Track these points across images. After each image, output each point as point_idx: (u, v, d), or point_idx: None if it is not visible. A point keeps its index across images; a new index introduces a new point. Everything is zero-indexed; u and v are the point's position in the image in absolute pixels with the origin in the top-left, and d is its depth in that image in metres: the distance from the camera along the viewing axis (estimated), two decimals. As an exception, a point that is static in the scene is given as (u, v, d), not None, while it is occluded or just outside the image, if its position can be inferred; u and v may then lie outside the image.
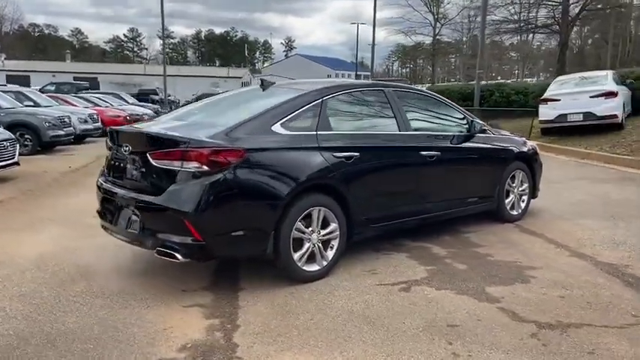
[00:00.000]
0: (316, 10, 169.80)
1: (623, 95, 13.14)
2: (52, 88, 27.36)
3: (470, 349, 3.04)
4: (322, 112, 4.26)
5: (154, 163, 3.72)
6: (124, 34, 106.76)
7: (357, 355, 2.99)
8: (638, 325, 3.35)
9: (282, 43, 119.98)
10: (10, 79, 36.57)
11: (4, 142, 8.28)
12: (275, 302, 3.72)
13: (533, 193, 6.16)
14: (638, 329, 3.30)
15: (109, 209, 4.20)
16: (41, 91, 20.20)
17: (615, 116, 12.55)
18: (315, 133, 4.14)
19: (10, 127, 10.78)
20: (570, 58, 39.21)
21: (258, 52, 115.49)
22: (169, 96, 39.81)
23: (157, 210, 3.69)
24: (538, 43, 61.43)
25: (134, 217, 3.90)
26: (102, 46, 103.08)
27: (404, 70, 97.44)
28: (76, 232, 5.54)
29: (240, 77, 60.83)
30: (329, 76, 76.60)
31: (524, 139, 6.37)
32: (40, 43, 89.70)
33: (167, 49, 48.38)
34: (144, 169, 3.84)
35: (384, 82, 5.71)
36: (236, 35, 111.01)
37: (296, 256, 3.96)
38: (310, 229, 4.03)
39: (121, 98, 23.53)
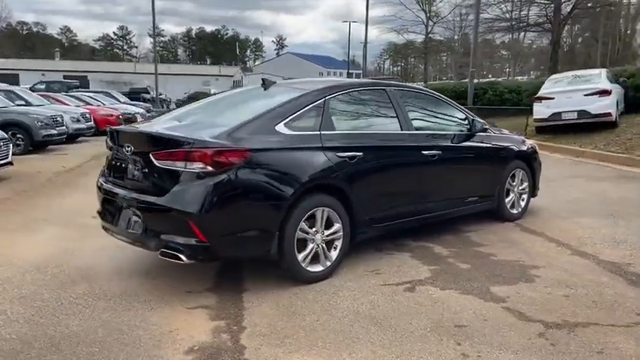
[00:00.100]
0: (308, 8, 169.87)
1: (617, 93, 13.22)
2: (43, 86, 27.15)
3: (479, 349, 3.03)
4: (325, 112, 4.23)
5: (157, 164, 3.68)
6: (113, 32, 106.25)
7: (366, 356, 2.97)
8: (644, 324, 3.36)
9: (273, 41, 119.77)
10: (-1, 78, 36.22)
11: (-2, 142, 8.18)
12: (280, 303, 3.69)
13: (532, 191, 6.17)
14: (644, 328, 3.31)
15: (110, 210, 4.15)
16: (31, 89, 20.03)
17: (609, 114, 12.63)
18: (318, 132, 4.11)
19: (2, 126, 10.63)
20: (561, 57, 39.40)
21: (249, 51, 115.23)
22: (161, 95, 39.60)
23: (161, 211, 3.65)
24: (529, 42, 61.73)
25: (136, 218, 3.85)
26: (91, 44, 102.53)
27: (395, 69, 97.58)
28: (73, 233, 5.48)
29: (231, 76, 60.65)
30: (320, 75, 76.57)
31: (523, 137, 6.39)
32: (29, 42, 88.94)
33: (157, 47, 48.06)
34: (146, 170, 3.80)
35: (386, 81, 5.69)
36: (227, 33, 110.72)
37: (300, 256, 3.93)
38: (314, 229, 4.01)
39: (113, 97, 23.35)
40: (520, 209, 6.00)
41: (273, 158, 3.81)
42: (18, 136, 11.84)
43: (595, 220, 5.93)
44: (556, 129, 13.54)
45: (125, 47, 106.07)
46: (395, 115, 4.72)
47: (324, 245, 4.09)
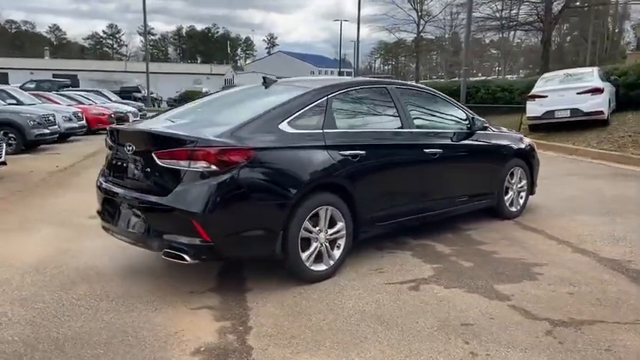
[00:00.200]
0: (298, 7, 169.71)
1: (609, 92, 13.29)
2: (33, 85, 26.91)
3: (487, 348, 3.02)
4: (328, 110, 4.21)
5: (160, 163, 3.64)
6: (102, 31, 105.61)
7: (374, 356, 2.95)
8: (649, 321, 3.37)
9: (264, 40, 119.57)
10: (-12, 77, 35.89)
11: (-9, 142, 8.08)
12: (285, 303, 3.66)
13: (531, 189, 6.18)
14: (650, 325, 3.32)
15: (111, 210, 4.11)
16: (22, 88, 19.82)
17: (601, 112, 12.70)
18: (321, 131, 4.09)
19: (-6, 126, 10.55)
20: (550, 55, 39.71)
21: (240, 49, 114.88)
22: (152, 93, 39.41)
23: (164, 211, 3.61)
24: (518, 41, 62.11)
25: (138, 218, 3.81)
26: (80, 42, 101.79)
27: (386, 67, 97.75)
28: (70, 233, 5.42)
29: (223, 74, 60.44)
30: (312, 73, 76.51)
31: (521, 135, 6.40)
32: (18, 40, 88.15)
33: (148, 46, 47.82)
34: (148, 169, 3.76)
35: (387, 79, 5.68)
36: (218, 32, 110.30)
37: (304, 255, 3.91)
38: (318, 228, 3.99)
39: (104, 96, 23.17)
40: (519, 207, 6.02)
41: (277, 157, 3.79)
42: (10, 135, 11.73)
43: (593, 218, 5.95)
44: (549, 127, 13.61)
45: (115, 46, 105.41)
46: (396, 113, 4.71)
47: (327, 244, 4.07)
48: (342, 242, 4.16)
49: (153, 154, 3.66)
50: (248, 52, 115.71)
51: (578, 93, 12.78)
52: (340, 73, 62.13)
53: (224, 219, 3.55)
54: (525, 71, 68.66)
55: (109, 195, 4.11)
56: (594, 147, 11.52)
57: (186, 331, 3.25)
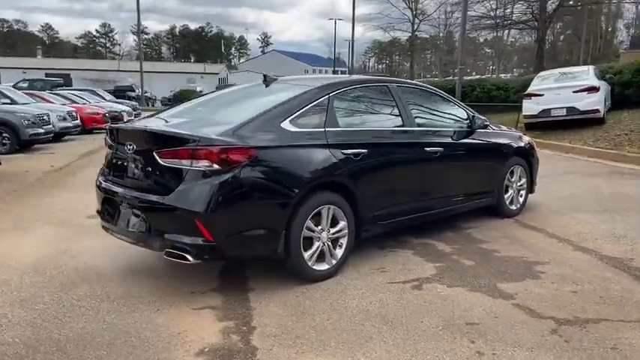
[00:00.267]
0: (292, 5, 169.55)
1: (604, 90, 13.35)
2: (25, 84, 26.66)
3: (493, 347, 3.01)
4: (329, 109, 4.18)
5: (161, 162, 3.60)
6: (95, 30, 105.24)
7: (380, 356, 2.93)
8: (654, 319, 3.37)
9: (258, 38, 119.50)
10: (-21, 76, 35.62)
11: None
12: (287, 303, 3.63)
13: (530, 188, 6.18)
14: (655, 323, 3.32)
15: (111, 209, 4.06)
16: (14, 87, 19.67)
17: (597, 111, 12.74)
18: (323, 129, 4.06)
19: (-12, 125, 10.46)
20: (537, 54, 39.88)
21: (233, 48, 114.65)
22: (146, 92, 39.25)
23: (165, 210, 3.57)
24: (512, 40, 62.31)
25: (139, 218, 3.78)
26: (73, 41, 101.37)
27: (380, 66, 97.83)
28: (68, 233, 5.36)
29: (217, 73, 60.27)
30: (306, 72, 76.44)
31: (520, 133, 6.40)
32: (10, 39, 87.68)
33: (141, 45, 47.63)
34: (149, 168, 3.72)
35: (387, 77, 5.66)
36: (211, 31, 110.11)
37: (306, 255, 3.88)
38: (320, 227, 3.96)
39: (98, 95, 23.02)
40: (518, 205, 6.01)
41: (279, 156, 3.76)
42: (4, 135, 11.64)
43: (592, 216, 5.96)
44: (545, 125, 13.64)
45: (108, 45, 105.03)
46: (398, 111, 4.69)
47: (329, 243, 4.04)
48: (344, 241, 4.14)
49: (154, 153, 3.62)
50: (242, 51, 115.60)
51: (574, 91, 12.81)
52: (334, 72, 62.12)
53: (227, 218, 3.52)
54: (519, 70, 68.95)
55: (108, 194, 4.07)
56: (590, 145, 11.56)
57: (189, 331, 3.22)
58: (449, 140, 5.08)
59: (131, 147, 3.83)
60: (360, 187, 4.18)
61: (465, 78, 22.43)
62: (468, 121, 5.38)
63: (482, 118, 5.49)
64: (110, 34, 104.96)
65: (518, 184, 5.98)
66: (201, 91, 39.01)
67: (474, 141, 5.34)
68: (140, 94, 37.75)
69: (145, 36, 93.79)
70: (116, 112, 19.08)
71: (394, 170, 4.56)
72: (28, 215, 6.15)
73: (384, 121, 4.74)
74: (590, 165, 10.04)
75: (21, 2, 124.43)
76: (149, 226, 3.71)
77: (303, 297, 3.73)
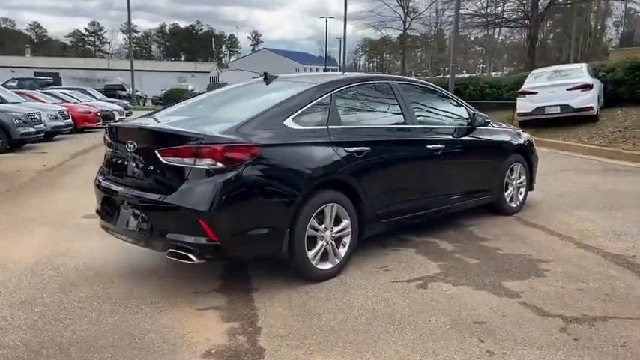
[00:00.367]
0: (282, 3, 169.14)
1: (597, 88, 13.39)
2: (15, 83, 26.39)
3: (503, 346, 2.98)
4: (332, 106, 4.14)
5: (164, 161, 3.54)
6: (85, 28, 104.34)
7: (390, 356, 2.89)
8: (661, 317, 3.36)
9: (248, 37, 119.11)
10: (-33, 75, 35.16)
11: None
12: (292, 302, 3.59)
13: (530, 185, 6.17)
14: (662, 320, 3.31)
15: (111, 209, 4.00)
16: (4, 86, 19.44)
17: (591, 108, 12.79)
18: (326, 127, 4.02)
19: (-21, 124, 10.30)
20: (529, 52, 40.08)
21: (224, 47, 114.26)
22: (137, 91, 39.00)
23: (168, 209, 3.51)
24: (502, 38, 62.57)
25: (140, 217, 3.72)
26: (62, 40, 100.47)
27: (371, 65, 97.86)
28: (65, 234, 5.28)
29: (208, 72, 60.04)
30: (297, 70, 76.29)
31: (519, 130, 6.39)
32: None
33: (132, 44, 47.33)
34: (151, 167, 3.66)
35: (389, 75, 5.63)
36: (202, 29, 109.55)
37: (310, 254, 3.84)
38: (323, 226, 3.92)
39: (89, 94, 22.80)
40: (518, 203, 6.01)
41: (283, 154, 3.71)
42: (-5, 134, 11.48)
43: (592, 213, 5.96)
44: (539, 123, 13.67)
45: (97, 43, 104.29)
46: (399, 109, 4.66)
47: (333, 242, 4.00)
48: (347, 240, 4.10)
49: (156, 152, 3.56)
50: (232, 49, 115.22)
51: (568, 89, 12.86)
52: (325, 70, 62.05)
53: (231, 217, 3.47)
54: (509, 68, 69.21)
55: (108, 194, 4.00)
56: (585, 143, 11.61)
57: (194, 332, 3.17)
58: (450, 138, 5.05)
59: (132, 145, 3.76)
60: (364, 185, 4.14)
61: (457, 76, 22.47)
62: (469, 118, 5.36)
63: (483, 115, 5.47)
64: (99, 33, 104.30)
65: (518, 181, 5.97)
66: (192, 90, 38.85)
67: (474, 138, 5.32)
68: (131, 92, 37.46)
69: (135, 34, 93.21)
70: (108, 111, 18.91)
71: (397, 168, 4.53)
72: (22, 215, 6.06)
73: (386, 118, 4.70)
74: (585, 162, 10.08)
75: (9, 1, 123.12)
76: (150, 225, 3.65)
77: (307, 296, 3.69)
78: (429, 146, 4.73)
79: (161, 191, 3.57)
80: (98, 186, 4.16)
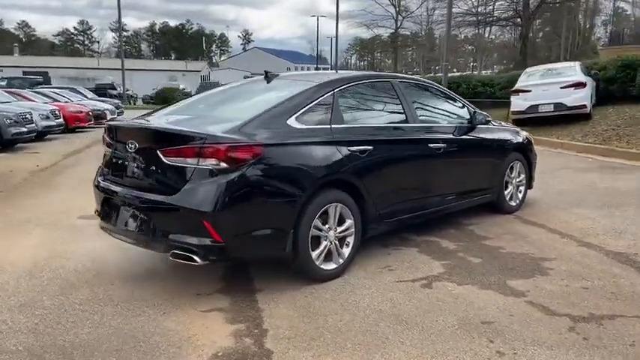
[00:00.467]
0: (273, 2, 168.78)
1: (591, 86, 13.45)
2: (4, 83, 26.09)
3: (513, 346, 2.95)
4: (335, 105, 4.10)
5: (166, 161, 3.48)
6: (74, 27, 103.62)
7: (399, 358, 2.86)
8: (668, 315, 3.35)
9: (239, 36, 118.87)
10: (-45, 75, 34.72)
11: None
12: (297, 304, 3.55)
13: (529, 183, 6.17)
14: (670, 319, 3.30)
15: (111, 210, 3.93)
16: (-6, 86, 19.24)
17: (584, 106, 12.84)
18: (329, 126, 3.98)
19: (-31, 124, 10.16)
20: (521, 51, 40.29)
21: (214, 46, 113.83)
22: (127, 90, 38.73)
23: (171, 210, 3.45)
24: (493, 37, 62.82)
25: (141, 218, 3.65)
26: (51, 39, 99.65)
27: (362, 63, 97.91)
28: (62, 235, 5.20)
29: (198, 71, 59.78)
30: (288, 69, 76.17)
31: (518, 128, 6.38)
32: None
33: (122, 42, 47.02)
34: (153, 167, 3.59)
35: (390, 73, 5.59)
36: (192, 28, 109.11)
37: (314, 254, 3.80)
38: (327, 226, 3.88)
39: (79, 93, 22.60)
40: (518, 201, 6.00)
41: (286, 153, 3.66)
42: (-15, 134, 11.32)
43: (591, 211, 5.96)
44: (533, 121, 13.70)
45: (86, 42, 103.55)
46: (401, 107, 4.63)
47: (336, 242, 3.96)
48: (351, 240, 4.07)
49: (158, 152, 3.50)
50: (223, 48, 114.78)
51: (561, 87, 12.90)
52: (317, 69, 62.01)
53: (235, 218, 3.42)
54: (499, 67, 69.49)
55: (108, 194, 3.94)
56: (579, 140, 11.65)
57: (199, 335, 3.12)
58: (451, 136, 5.03)
59: (132, 145, 3.69)
60: (367, 184, 4.11)
61: (449, 74, 22.49)
62: (470, 116, 5.34)
63: (484, 113, 5.45)
64: (88, 32, 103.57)
65: (518, 179, 5.96)
66: (183, 89, 38.66)
67: (475, 137, 5.30)
68: (121, 92, 37.20)
69: (125, 33, 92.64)
70: (99, 110, 18.77)
71: (399, 167, 4.50)
72: (17, 217, 5.96)
73: (388, 117, 4.68)
74: (580, 160, 10.11)
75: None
76: (152, 226, 3.59)
77: (312, 297, 3.65)
78: (431, 145, 4.70)
79: (163, 192, 3.51)
80: (97, 186, 4.09)
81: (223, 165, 3.37)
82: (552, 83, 13.22)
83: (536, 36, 66.83)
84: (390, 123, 4.61)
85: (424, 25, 58.87)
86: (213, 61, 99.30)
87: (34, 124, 12.74)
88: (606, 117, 13.07)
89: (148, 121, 4.12)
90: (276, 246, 3.62)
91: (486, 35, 58.57)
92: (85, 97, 22.27)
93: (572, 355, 2.85)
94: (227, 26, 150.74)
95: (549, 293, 3.68)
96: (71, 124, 16.10)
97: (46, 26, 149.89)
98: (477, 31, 44.98)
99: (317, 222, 3.79)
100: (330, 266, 3.94)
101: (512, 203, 5.91)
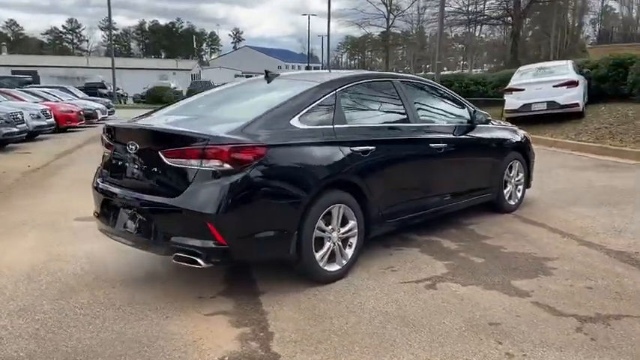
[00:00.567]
0: (262, 1, 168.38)
1: (583, 84, 13.50)
2: (-7, 82, 25.80)
3: (522, 348, 2.94)
4: (337, 105, 4.06)
5: (168, 162, 3.42)
6: (62, 26, 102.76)
7: (409, 360, 2.83)
8: (674, 315, 3.35)
9: (230, 34, 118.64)
10: (-58, 74, 34.26)
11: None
12: (301, 306, 3.51)
13: (527, 182, 6.17)
14: (676, 318, 3.30)
15: (111, 212, 3.87)
16: (-18, 85, 19.01)
17: (577, 105, 12.89)
18: (332, 126, 3.94)
19: (-40, 124, 10.01)
20: (512, 49, 40.48)
21: (205, 44, 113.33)
22: (118, 89, 38.44)
23: (174, 212, 3.40)
24: (482, 35, 63.10)
25: (143, 220, 3.60)
26: (39, 38, 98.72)
27: (352, 62, 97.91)
28: (58, 237, 5.13)
29: (189, 70, 59.48)
30: (279, 68, 76.04)
31: (516, 127, 6.37)
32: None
33: (110, 41, 46.66)
34: (155, 169, 3.54)
35: (391, 72, 5.56)
36: (182, 26, 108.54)
37: (317, 256, 3.76)
38: (330, 227, 3.85)
39: (70, 92, 22.41)
40: (516, 200, 6.00)
41: (290, 154, 3.62)
42: (-24, 134, 11.18)
43: (589, 210, 5.97)
44: (526, 119, 13.71)
45: (75, 41, 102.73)
46: (402, 107, 4.60)
47: (340, 243, 3.93)
48: (354, 241, 4.04)
49: (160, 153, 3.45)
50: (214, 46, 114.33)
51: (554, 86, 12.94)
52: (308, 68, 61.93)
53: (239, 220, 3.37)
54: (489, 65, 69.80)
55: (107, 196, 3.88)
56: (573, 139, 11.69)
57: (204, 339, 3.07)
58: (452, 136, 5.01)
59: (133, 147, 3.63)
60: (369, 184, 4.08)
61: (440, 73, 22.49)
62: (470, 116, 5.32)
63: (484, 113, 5.44)
64: (77, 30, 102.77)
65: (516, 178, 5.96)
66: (175, 88, 38.44)
67: (475, 136, 5.29)
68: (112, 91, 36.93)
69: (114, 31, 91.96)
70: (90, 109, 18.62)
71: (401, 167, 4.47)
72: (12, 218, 5.87)
73: (390, 116, 4.65)
74: (575, 158, 10.15)
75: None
76: (154, 228, 3.54)
77: (316, 299, 3.61)
78: (433, 144, 4.68)
79: (165, 193, 3.46)
80: (96, 188, 4.03)
81: (227, 166, 3.33)
82: (545, 82, 13.25)
83: (526, 35, 67.13)
84: (392, 123, 4.58)
85: (415, 24, 58.96)
86: (204, 59, 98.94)
87: (25, 124, 12.60)
88: (598, 115, 13.13)
89: (148, 121, 4.06)
90: (280, 248, 3.58)
91: (476, 34, 58.80)
92: (76, 96, 22.08)
93: (582, 356, 2.84)
94: (217, 25, 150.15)
95: (554, 293, 3.67)
96: (62, 124, 15.94)
97: (35, 25, 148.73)
98: (467, 29, 45.13)
99: (320, 223, 3.75)
100: (334, 268, 3.90)
101: (512, 202, 5.90)
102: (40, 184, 8.09)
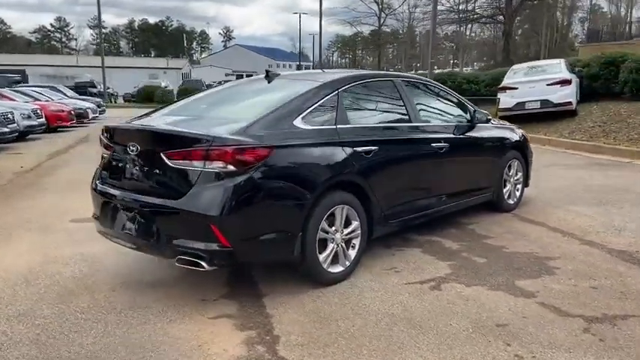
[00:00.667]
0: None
1: (575, 83, 13.56)
2: (-19, 82, 25.51)
3: (531, 349, 2.92)
4: (339, 105, 4.02)
5: (170, 164, 3.37)
6: (50, 24, 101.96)
7: (418, 363, 2.80)
8: (680, 314, 3.35)
9: (220, 33, 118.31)
10: None
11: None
12: (306, 308, 3.47)
13: (525, 181, 6.17)
14: (682, 318, 3.29)
15: (111, 214, 3.80)
16: (-29, 85, 18.78)
17: (570, 103, 12.95)
18: (335, 127, 3.90)
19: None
20: (502, 48, 40.64)
21: (195, 43, 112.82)
22: (108, 88, 38.15)
23: (176, 215, 3.35)
24: (473, 34, 63.35)
25: (145, 223, 3.54)
26: (27, 36, 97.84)
27: (343, 61, 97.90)
28: (55, 239, 5.05)
29: (180, 68, 59.17)
30: (270, 67, 75.79)
31: (514, 126, 6.37)
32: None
33: (99, 40, 46.30)
34: (157, 171, 3.48)
35: (392, 72, 5.54)
36: (171, 25, 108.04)
37: (321, 257, 3.73)
38: (334, 228, 3.81)
39: (60, 91, 22.20)
40: (515, 200, 5.99)
41: (294, 155, 3.58)
42: (-34, 135, 11.03)
43: (588, 209, 5.98)
44: (519, 118, 13.73)
45: (64, 40, 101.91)
46: (404, 106, 4.58)
47: (343, 245, 3.90)
48: (357, 242, 4.00)
49: (162, 155, 3.39)
50: (204, 45, 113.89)
51: (547, 84, 12.99)
52: (299, 67, 61.84)
53: (243, 222, 3.33)
54: (479, 64, 70.10)
55: (107, 198, 3.81)
56: (567, 137, 11.74)
57: (210, 343, 3.03)
58: (453, 136, 4.99)
59: (134, 148, 3.57)
60: (372, 185, 4.04)
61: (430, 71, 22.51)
62: (470, 115, 5.31)
63: (484, 112, 5.44)
64: (66, 29, 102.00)
65: (515, 178, 5.96)
66: (166, 87, 38.20)
67: (475, 135, 5.28)
68: (102, 90, 36.65)
69: (103, 30, 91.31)
70: (81, 109, 18.46)
71: (403, 167, 4.45)
72: (6, 220, 5.78)
73: (391, 116, 4.63)
74: (569, 157, 10.19)
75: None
76: (156, 231, 3.48)
77: (320, 302, 3.58)
78: (434, 144, 4.66)
79: (168, 195, 3.40)
80: (95, 189, 3.96)
81: (231, 168, 3.28)
82: (538, 80, 13.31)
83: (516, 33, 67.50)
84: (394, 122, 4.55)
85: (405, 23, 59.07)
86: (194, 58, 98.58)
87: (15, 124, 12.47)
88: (591, 114, 13.19)
89: (148, 122, 4.00)
90: (284, 250, 3.54)
91: (467, 33, 59.01)
92: (66, 95, 21.87)
93: (591, 357, 2.83)
94: (207, 23, 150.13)
95: (559, 293, 3.66)
96: (53, 124, 15.79)
97: (23, 23, 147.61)
98: (457, 28, 45.27)
99: (324, 224, 3.71)
100: (337, 269, 3.87)
101: (511, 201, 5.90)
102: (33, 185, 7.98)
